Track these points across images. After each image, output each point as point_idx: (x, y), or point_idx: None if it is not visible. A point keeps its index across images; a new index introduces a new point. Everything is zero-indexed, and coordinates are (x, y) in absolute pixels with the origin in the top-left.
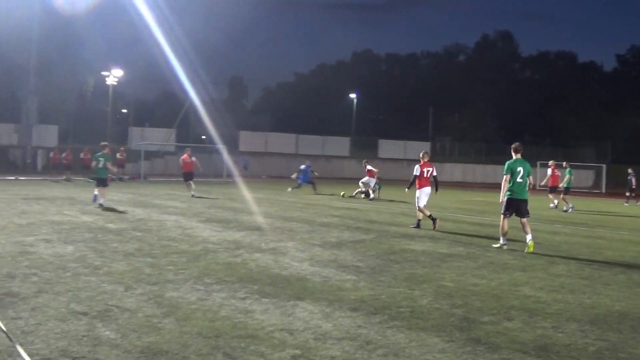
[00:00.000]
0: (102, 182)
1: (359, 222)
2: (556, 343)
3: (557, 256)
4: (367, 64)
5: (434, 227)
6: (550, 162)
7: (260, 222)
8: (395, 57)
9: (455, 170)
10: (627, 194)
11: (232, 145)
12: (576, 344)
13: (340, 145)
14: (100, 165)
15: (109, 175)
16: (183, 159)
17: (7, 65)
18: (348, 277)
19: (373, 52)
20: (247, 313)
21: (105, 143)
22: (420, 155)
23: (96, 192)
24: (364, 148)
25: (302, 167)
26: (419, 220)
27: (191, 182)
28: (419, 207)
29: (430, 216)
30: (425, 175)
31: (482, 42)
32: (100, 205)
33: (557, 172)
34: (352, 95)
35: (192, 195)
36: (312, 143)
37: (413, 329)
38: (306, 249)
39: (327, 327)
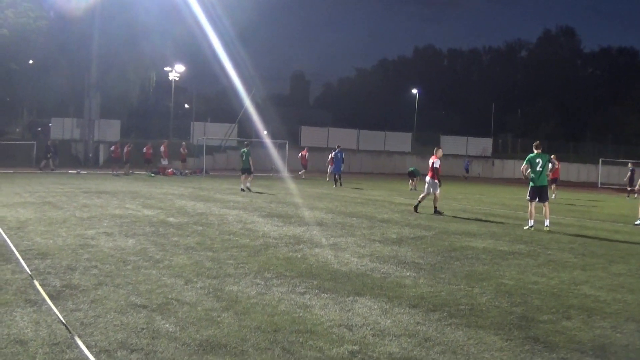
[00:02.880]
0: (246, 171)
1: (419, 218)
2: (614, 343)
3: (617, 255)
4: (429, 59)
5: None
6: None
7: (321, 218)
8: (457, 52)
9: (517, 167)
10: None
11: (294, 141)
12: (634, 344)
13: (402, 141)
14: (244, 158)
15: (171, 169)
16: (302, 154)
17: (70, 59)
18: (408, 273)
19: (435, 48)
20: (306, 308)
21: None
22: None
23: (242, 182)
24: (426, 144)
25: (334, 152)
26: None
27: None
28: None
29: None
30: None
31: (544, 38)
32: (246, 189)
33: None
34: (414, 91)
35: (302, 178)
36: (373, 138)
37: (472, 327)
38: (366, 245)
39: (386, 323)
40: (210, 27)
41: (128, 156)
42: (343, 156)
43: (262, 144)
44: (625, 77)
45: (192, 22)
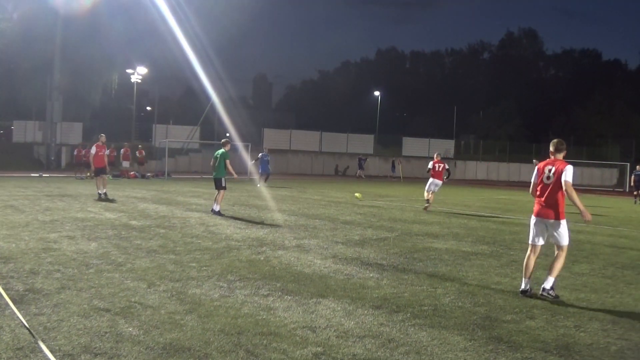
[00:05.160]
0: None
1: (382, 220)
2: (578, 342)
3: (580, 255)
4: (391, 61)
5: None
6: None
7: (284, 220)
8: (420, 54)
9: (479, 168)
10: (635, 192)
11: (257, 143)
12: (598, 343)
13: (364, 143)
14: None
15: (133, 172)
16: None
17: (32, 61)
18: (371, 275)
19: (398, 50)
20: (269, 310)
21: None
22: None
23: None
24: (388, 146)
25: (260, 155)
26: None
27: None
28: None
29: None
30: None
31: (507, 40)
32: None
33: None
34: (377, 93)
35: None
36: (336, 141)
37: (435, 327)
38: (329, 247)
39: (350, 325)
40: (172, 29)
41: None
42: (268, 158)
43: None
44: (588, 78)
45: (155, 24)
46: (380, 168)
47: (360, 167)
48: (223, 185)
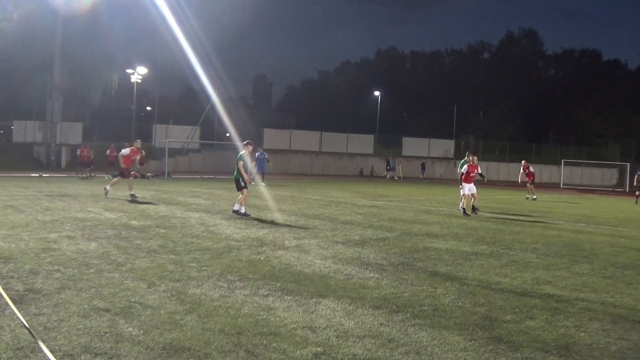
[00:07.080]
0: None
1: (382, 220)
2: (578, 342)
3: (580, 255)
4: (391, 61)
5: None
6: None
7: (284, 220)
8: (420, 54)
9: (479, 168)
10: (637, 192)
11: (257, 143)
12: (598, 343)
13: (364, 143)
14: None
15: (134, 172)
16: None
17: (32, 61)
18: (371, 275)
19: (397, 50)
20: (269, 310)
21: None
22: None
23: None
24: (388, 146)
25: (257, 154)
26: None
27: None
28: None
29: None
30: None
31: (507, 40)
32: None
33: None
34: (377, 93)
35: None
36: (336, 141)
37: (435, 327)
38: (329, 247)
39: (350, 325)
40: (172, 29)
41: (91, 159)
42: (267, 157)
43: (227, 147)
44: (588, 78)
45: (155, 24)
46: (380, 169)
47: (391, 168)
48: (242, 186)
